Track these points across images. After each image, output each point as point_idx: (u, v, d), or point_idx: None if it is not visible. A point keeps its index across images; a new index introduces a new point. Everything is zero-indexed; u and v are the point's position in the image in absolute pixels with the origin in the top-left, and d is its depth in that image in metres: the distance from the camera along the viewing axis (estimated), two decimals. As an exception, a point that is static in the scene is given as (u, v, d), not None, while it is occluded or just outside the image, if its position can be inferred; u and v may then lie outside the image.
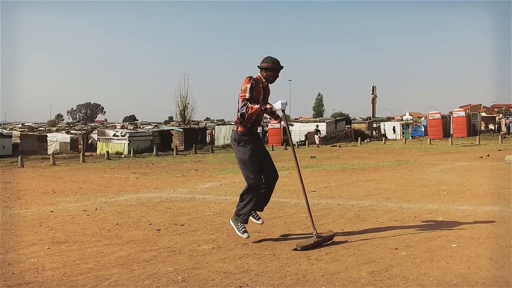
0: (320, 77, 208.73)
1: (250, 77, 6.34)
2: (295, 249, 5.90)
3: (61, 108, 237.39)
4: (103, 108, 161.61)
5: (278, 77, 6.59)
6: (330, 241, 6.27)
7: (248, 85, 6.25)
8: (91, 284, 4.73)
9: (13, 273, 5.17)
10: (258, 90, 6.39)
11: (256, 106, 6.20)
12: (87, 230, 7.50)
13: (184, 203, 10.23)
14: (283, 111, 6.41)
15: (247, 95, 6.22)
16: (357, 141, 46.58)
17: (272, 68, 6.45)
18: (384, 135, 55.21)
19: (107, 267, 5.33)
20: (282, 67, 6.54)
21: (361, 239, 6.40)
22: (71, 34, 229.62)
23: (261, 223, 6.89)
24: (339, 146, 41.65)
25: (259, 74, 6.49)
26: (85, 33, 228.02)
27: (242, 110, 6.20)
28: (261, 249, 6.04)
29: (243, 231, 6.46)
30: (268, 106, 6.32)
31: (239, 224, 6.50)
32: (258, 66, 6.50)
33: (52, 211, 9.38)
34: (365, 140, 49.41)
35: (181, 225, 7.73)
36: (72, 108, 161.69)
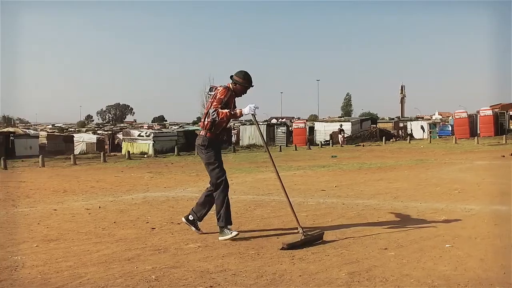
0: (349, 77, 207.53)
1: (227, 89, 6.51)
2: (282, 248, 5.77)
3: (91, 109, 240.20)
4: (132, 109, 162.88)
5: (246, 93, 6.75)
6: (320, 241, 6.13)
7: (223, 98, 6.43)
8: (62, 282, 4.65)
9: (-10, 270, 5.13)
10: (231, 100, 6.58)
11: (226, 111, 6.38)
12: (82, 228, 7.45)
13: (189, 202, 10.13)
14: (253, 115, 6.52)
15: (219, 106, 6.36)
16: (382, 140, 46.06)
17: (241, 84, 6.61)
18: (410, 134, 54.45)
19: (87, 265, 5.26)
20: (252, 86, 6.71)
21: (353, 239, 6.24)
22: (104, 36, 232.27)
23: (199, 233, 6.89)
24: (363, 145, 41.25)
25: (229, 84, 6.64)
26: (116, 35, 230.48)
27: (213, 115, 6.33)
28: (247, 248, 5.92)
29: (231, 232, 6.46)
30: (237, 110, 6.48)
31: (225, 230, 6.49)
32: (230, 77, 6.64)
33: (55, 210, 9.37)
34: (391, 140, 48.80)
35: (178, 223, 7.63)
36: (101, 109, 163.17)
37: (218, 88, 6.61)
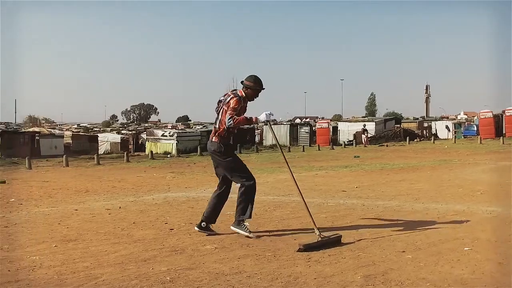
0: (373, 77, 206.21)
1: (239, 99, 6.58)
2: (299, 250, 5.73)
3: (116, 109, 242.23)
4: (156, 108, 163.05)
5: (258, 97, 6.88)
6: (337, 243, 6.08)
7: (237, 107, 6.51)
8: (78, 283, 4.69)
9: (9, 270, 5.19)
10: (243, 108, 6.71)
11: (242, 117, 6.54)
12: (102, 228, 7.50)
13: (209, 202, 10.16)
14: (268, 121, 6.73)
15: (234, 112, 6.45)
16: (406, 140, 45.62)
17: (252, 87, 6.72)
18: (435, 134, 53.90)
19: (103, 266, 5.29)
20: (264, 88, 6.81)
21: (371, 241, 6.19)
22: (126, 36, 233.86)
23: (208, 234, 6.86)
24: (387, 145, 40.94)
25: (241, 90, 6.75)
26: (140, 35, 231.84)
27: (229, 122, 6.41)
28: (264, 250, 5.89)
29: (247, 230, 6.57)
30: (253, 117, 6.59)
31: (242, 226, 6.59)
32: (241, 82, 6.76)
33: (76, 210, 9.45)
34: (415, 140, 48.36)
35: (196, 224, 7.64)
36: (126, 109, 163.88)
37: (229, 94, 6.71)
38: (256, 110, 7.00)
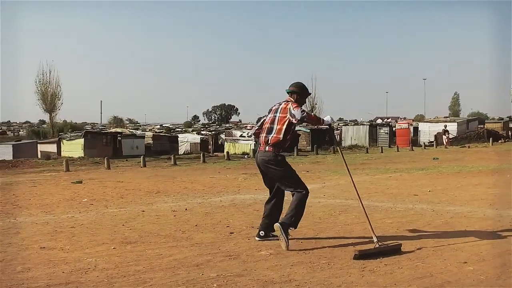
0: (458, 76, 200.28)
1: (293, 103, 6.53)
2: (355, 257, 5.54)
3: (197, 109, 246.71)
4: (237, 109, 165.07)
5: (305, 102, 7.00)
6: (396, 252, 5.82)
7: (300, 107, 6.44)
8: (126, 287, 4.68)
9: (63, 272, 5.26)
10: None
11: (313, 114, 6.74)
12: (163, 231, 7.53)
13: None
14: (330, 125, 6.73)
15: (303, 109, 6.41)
16: (489, 142, 43.80)
17: (300, 93, 6.69)
18: (521, 135, 51.58)
19: (155, 270, 5.28)
20: (310, 93, 6.97)
21: (433, 250, 5.90)
22: (206, 38, 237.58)
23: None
24: (469, 147, 39.45)
25: (289, 98, 6.67)
26: (221, 37, 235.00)
27: (303, 114, 6.29)
28: (319, 257, 5.72)
29: (286, 238, 6.22)
30: (322, 118, 6.65)
31: (286, 232, 6.26)
32: (286, 91, 6.70)
33: (143, 211, 9.56)
34: (499, 141, 46.35)
35: (257, 228, 7.53)
36: (208, 109, 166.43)
37: (282, 103, 6.59)
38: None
